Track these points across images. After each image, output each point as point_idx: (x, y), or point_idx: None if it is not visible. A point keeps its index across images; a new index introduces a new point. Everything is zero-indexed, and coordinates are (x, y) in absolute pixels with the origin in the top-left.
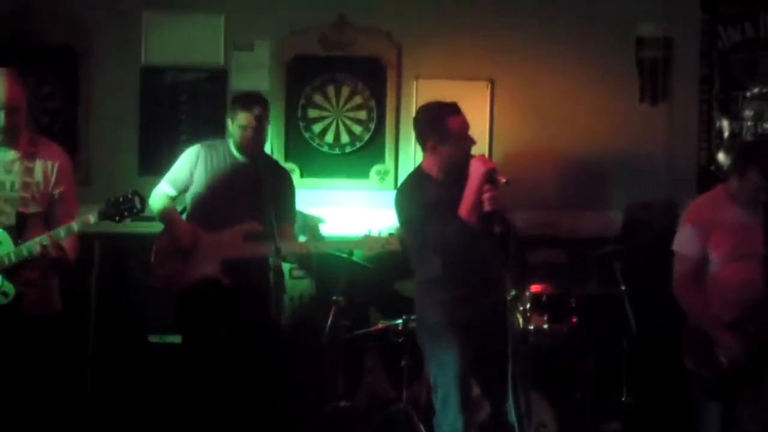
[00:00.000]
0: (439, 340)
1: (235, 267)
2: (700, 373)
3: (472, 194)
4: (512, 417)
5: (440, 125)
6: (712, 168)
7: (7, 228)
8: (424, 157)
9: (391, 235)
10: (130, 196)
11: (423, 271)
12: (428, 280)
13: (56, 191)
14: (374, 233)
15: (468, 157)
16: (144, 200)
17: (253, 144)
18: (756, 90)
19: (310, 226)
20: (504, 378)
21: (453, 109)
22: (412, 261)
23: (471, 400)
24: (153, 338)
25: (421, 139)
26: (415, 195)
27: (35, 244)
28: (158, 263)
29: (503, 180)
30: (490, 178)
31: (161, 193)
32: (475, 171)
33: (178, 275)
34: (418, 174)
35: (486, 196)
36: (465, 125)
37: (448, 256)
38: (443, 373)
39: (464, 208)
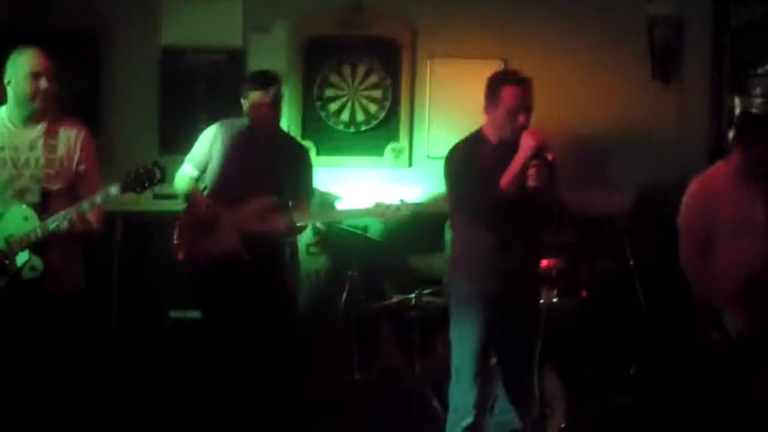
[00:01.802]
0: (463, 312)
1: (254, 241)
2: (710, 344)
3: (517, 166)
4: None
5: (494, 90)
6: (723, 145)
7: (32, 204)
8: (485, 121)
9: (402, 202)
10: (150, 166)
11: (458, 240)
12: (461, 250)
13: (80, 167)
14: (385, 201)
15: (517, 132)
16: (164, 170)
17: (267, 122)
18: (766, 68)
19: (327, 203)
20: (529, 355)
21: (515, 79)
22: (451, 226)
23: (488, 372)
24: (174, 314)
25: (484, 100)
26: (466, 153)
27: (62, 218)
28: (181, 239)
29: (550, 157)
30: (538, 153)
31: (184, 174)
32: (525, 144)
33: (201, 251)
34: (476, 135)
35: (531, 171)
36: (520, 99)
37: (482, 224)
38: (461, 344)
39: (505, 178)
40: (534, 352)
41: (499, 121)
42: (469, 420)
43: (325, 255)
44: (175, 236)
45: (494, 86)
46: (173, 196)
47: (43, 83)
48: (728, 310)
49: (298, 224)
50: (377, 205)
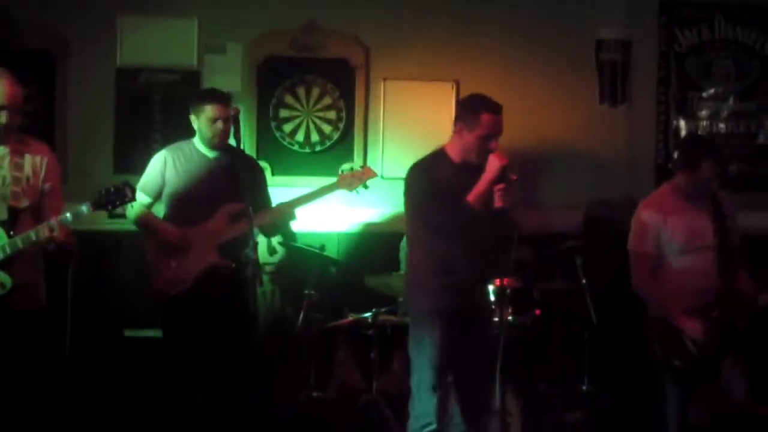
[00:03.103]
0: (421, 325)
1: (229, 254)
2: (672, 363)
3: (484, 184)
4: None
5: (474, 113)
6: (670, 166)
7: (0, 222)
8: (450, 139)
9: (362, 167)
10: (121, 186)
11: (416, 254)
12: (419, 264)
13: (46, 185)
14: (347, 170)
15: (484, 156)
16: (134, 190)
17: (224, 135)
18: (711, 91)
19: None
20: (486, 370)
21: (494, 107)
22: (408, 241)
23: (446, 385)
24: (129, 333)
25: (455, 119)
26: (428, 171)
27: (32, 235)
28: (157, 271)
29: (514, 178)
30: (503, 174)
31: (137, 202)
32: (492, 165)
33: (182, 275)
34: (438, 153)
35: (498, 192)
36: (496, 128)
37: (444, 239)
38: (420, 356)
39: (474, 194)
40: (491, 367)
41: (469, 143)
42: (432, 427)
43: (278, 287)
44: (150, 270)
45: (472, 109)
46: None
47: (3, 118)
48: (687, 325)
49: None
50: (341, 177)
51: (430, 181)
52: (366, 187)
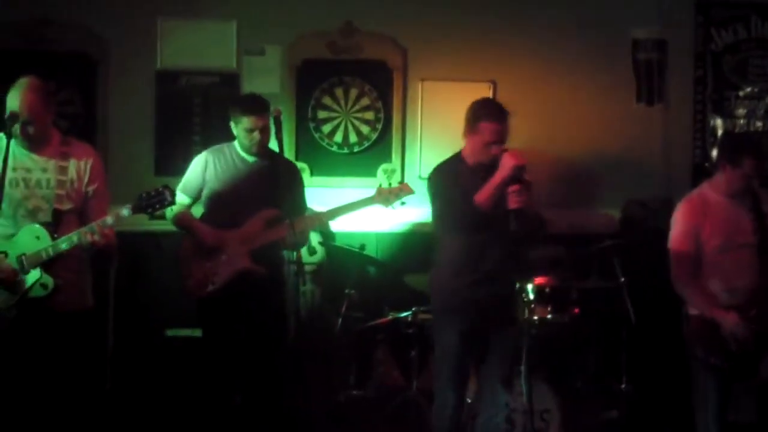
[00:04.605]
0: (442, 319)
1: (262, 257)
2: (711, 361)
3: (494, 184)
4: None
5: (474, 120)
6: (707, 165)
7: (44, 224)
8: (464, 143)
9: (401, 183)
10: (161, 189)
11: (439, 252)
12: (440, 262)
13: (90, 188)
14: (385, 185)
15: (491, 158)
16: (174, 193)
17: (261, 144)
18: (748, 89)
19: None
20: (504, 364)
21: (494, 115)
22: (434, 237)
23: (465, 378)
24: (170, 332)
25: (464, 123)
26: (444, 173)
27: (75, 237)
28: (188, 271)
29: (528, 180)
30: (517, 174)
31: (177, 203)
32: (504, 164)
33: (213, 277)
34: (455, 157)
35: (511, 194)
36: (497, 135)
37: (461, 240)
38: (440, 348)
39: (482, 193)
40: (510, 364)
41: (475, 148)
42: (449, 411)
43: (318, 287)
44: (181, 267)
45: (474, 117)
46: None
47: (30, 129)
48: (726, 324)
49: (304, 229)
50: (379, 192)
51: (446, 182)
52: (403, 203)
